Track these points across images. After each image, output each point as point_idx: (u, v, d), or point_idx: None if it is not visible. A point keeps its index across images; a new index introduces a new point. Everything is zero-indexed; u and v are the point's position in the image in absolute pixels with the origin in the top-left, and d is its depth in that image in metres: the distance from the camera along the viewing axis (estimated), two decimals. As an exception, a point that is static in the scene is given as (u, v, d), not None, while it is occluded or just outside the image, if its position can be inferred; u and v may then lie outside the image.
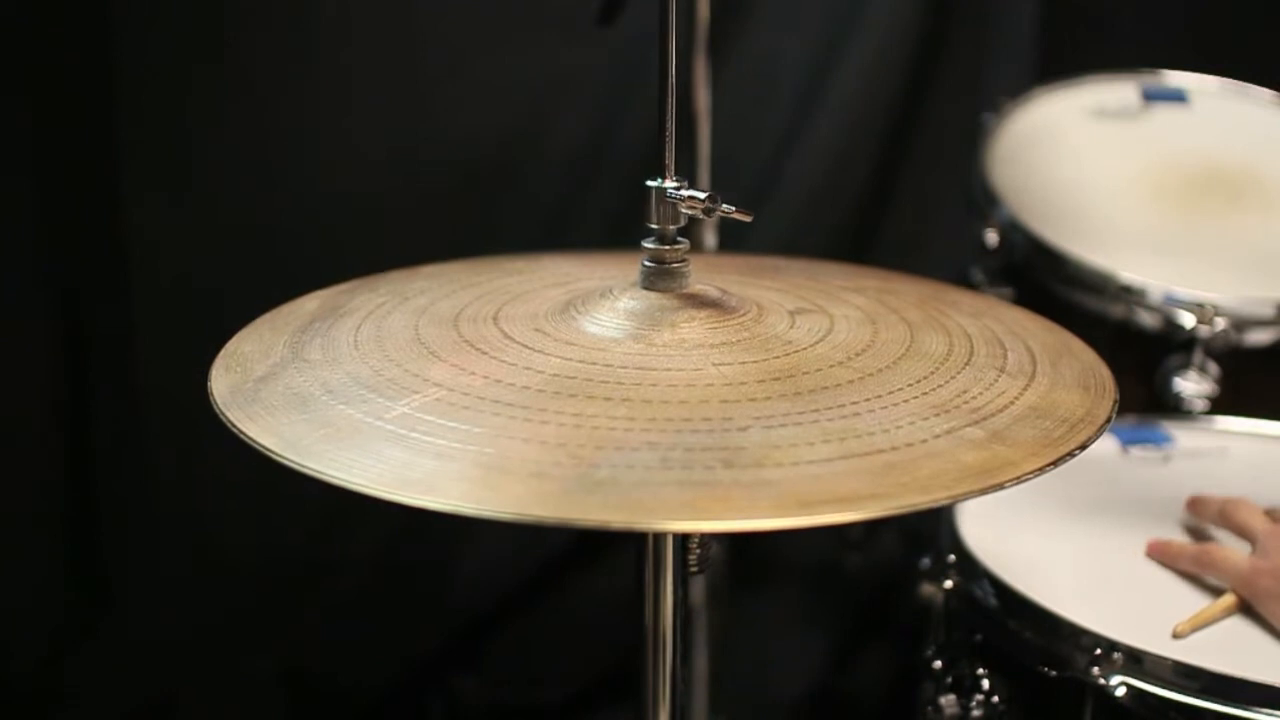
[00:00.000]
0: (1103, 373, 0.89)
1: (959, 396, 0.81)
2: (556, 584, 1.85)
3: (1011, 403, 0.81)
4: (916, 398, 0.80)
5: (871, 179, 2.00)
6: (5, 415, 1.48)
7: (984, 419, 0.78)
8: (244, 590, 1.67)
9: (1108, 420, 0.82)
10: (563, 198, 1.81)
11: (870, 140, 1.98)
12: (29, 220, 1.46)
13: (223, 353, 0.88)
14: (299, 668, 1.71)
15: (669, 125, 0.89)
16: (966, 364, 0.86)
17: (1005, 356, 0.88)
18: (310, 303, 0.98)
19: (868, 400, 0.79)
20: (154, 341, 1.54)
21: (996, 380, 0.84)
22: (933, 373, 0.84)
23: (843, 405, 0.78)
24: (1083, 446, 0.78)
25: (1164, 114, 1.71)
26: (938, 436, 0.76)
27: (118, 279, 1.52)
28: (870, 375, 0.83)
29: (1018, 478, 0.73)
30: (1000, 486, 0.72)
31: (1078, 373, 0.87)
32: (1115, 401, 0.84)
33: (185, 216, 1.55)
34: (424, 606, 1.80)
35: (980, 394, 0.82)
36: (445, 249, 1.14)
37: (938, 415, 0.78)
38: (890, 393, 0.80)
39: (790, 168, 1.93)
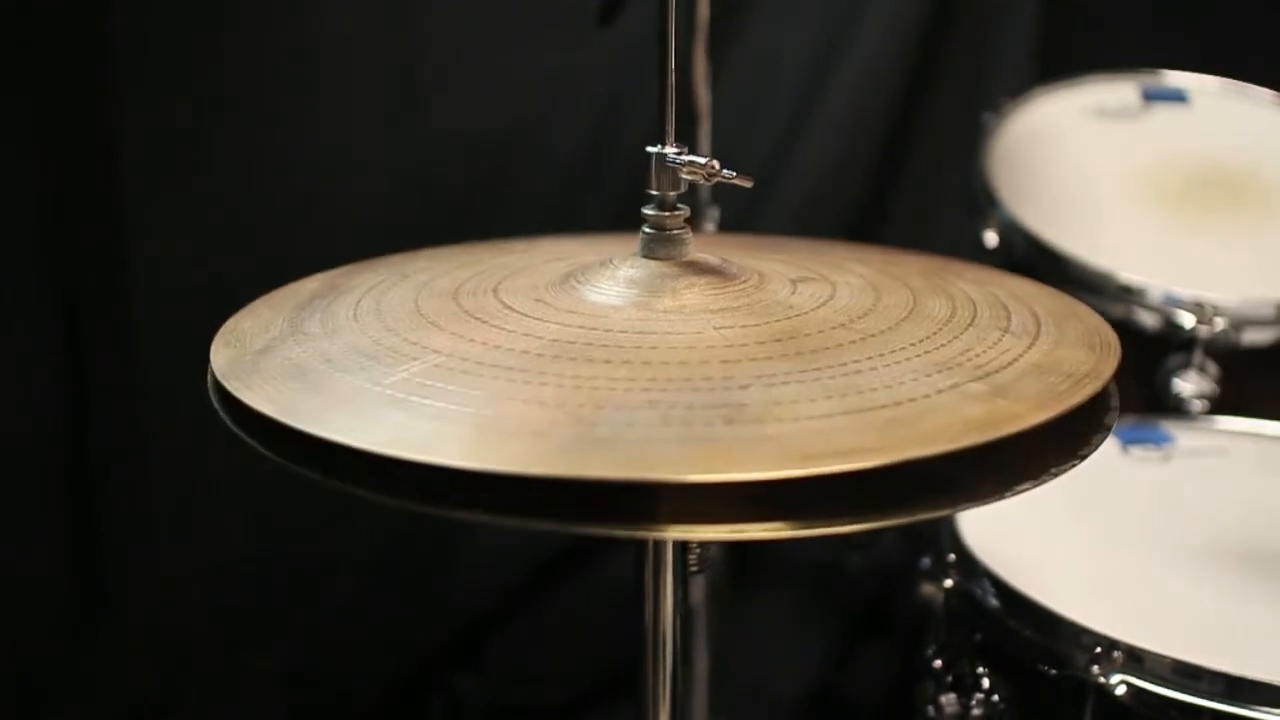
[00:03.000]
0: (1107, 334, 0.87)
1: (962, 354, 0.80)
2: (556, 584, 1.85)
3: (1015, 359, 0.80)
4: (919, 356, 0.79)
5: (871, 178, 2.00)
6: (4, 415, 1.48)
7: (987, 375, 0.77)
8: (244, 590, 1.67)
9: (1111, 382, 0.80)
10: (562, 198, 1.81)
11: (870, 140, 1.98)
12: (29, 220, 1.46)
13: (222, 330, 0.88)
14: (299, 668, 1.71)
15: (669, 92, 0.89)
16: (970, 325, 0.85)
17: (1009, 318, 0.87)
18: (310, 284, 0.98)
19: (869, 359, 0.78)
20: (154, 341, 1.54)
21: (1000, 339, 0.83)
22: (935, 333, 0.83)
23: (844, 364, 0.77)
24: (1083, 454, 0.78)
25: (1164, 114, 1.71)
26: (940, 392, 0.74)
27: (118, 279, 1.52)
28: (872, 336, 0.82)
29: (1020, 431, 0.71)
30: (1005, 481, 0.71)
31: (1082, 333, 0.86)
32: (1119, 359, 0.83)
33: (185, 216, 1.55)
34: (424, 606, 1.80)
35: (984, 352, 0.81)
36: (445, 248, 1.14)
37: (940, 372, 0.77)
38: (892, 351, 0.80)
39: (790, 168, 1.93)
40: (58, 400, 1.51)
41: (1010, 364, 0.79)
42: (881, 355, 0.79)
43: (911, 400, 0.73)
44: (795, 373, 0.76)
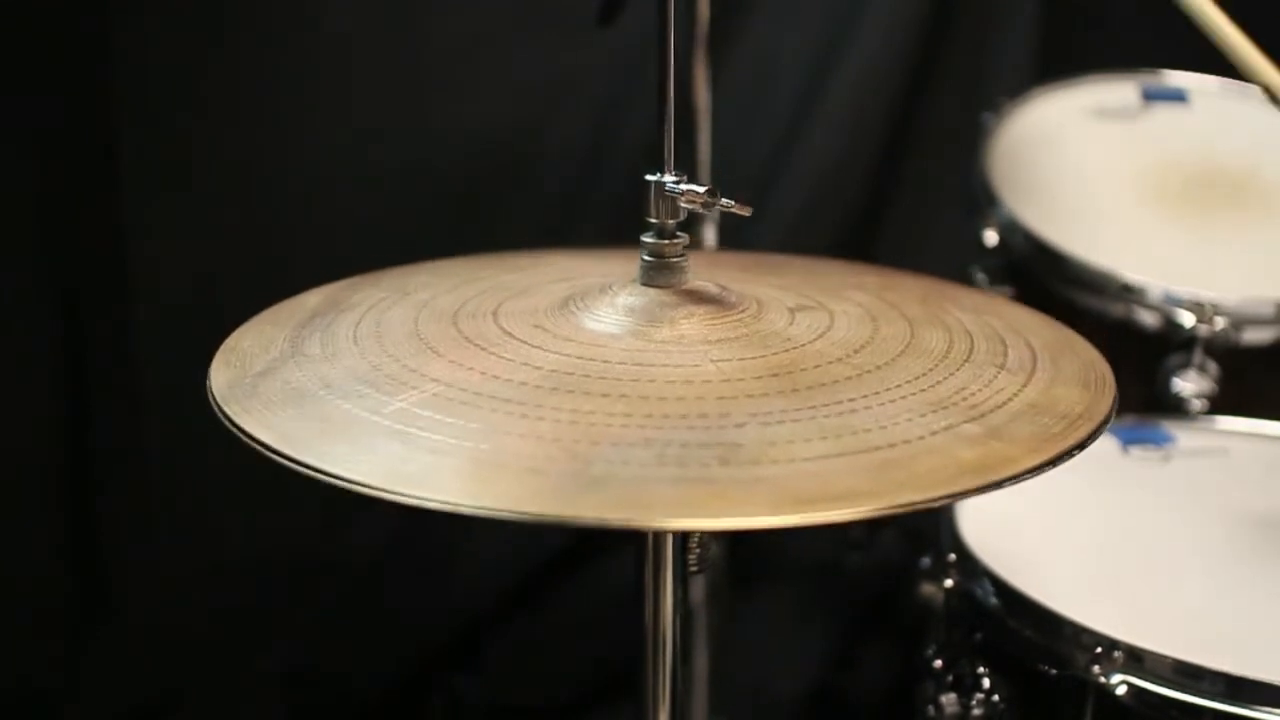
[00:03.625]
0: (1103, 369, 0.88)
1: (958, 393, 0.81)
2: (556, 584, 1.85)
3: (1010, 399, 0.81)
4: (914, 394, 0.80)
5: (871, 179, 2.00)
6: (4, 416, 1.48)
7: (981, 415, 0.78)
8: (244, 590, 1.67)
9: (1107, 417, 0.81)
10: (563, 198, 1.81)
11: (870, 140, 1.98)
12: (29, 220, 1.46)
13: (222, 348, 0.88)
14: (299, 668, 1.71)
15: (668, 119, 0.89)
16: (966, 360, 0.86)
17: (1005, 353, 0.88)
18: (311, 298, 0.98)
19: (865, 397, 0.79)
20: (154, 341, 1.54)
21: (996, 377, 0.84)
22: (932, 369, 0.84)
23: (840, 402, 0.78)
24: (1081, 446, 0.78)
25: (1164, 114, 1.71)
26: (935, 433, 0.75)
27: (118, 279, 1.52)
28: (869, 372, 0.82)
29: (1014, 475, 0.73)
30: (998, 485, 0.72)
31: (1078, 369, 0.87)
32: (1115, 398, 0.84)
33: (185, 216, 1.55)
34: (424, 606, 1.80)
35: (979, 390, 0.81)
36: (445, 250, 1.14)
37: (935, 412, 0.78)
38: (888, 389, 0.80)
39: (790, 168, 1.93)
40: (58, 400, 1.51)
41: (1005, 403, 0.80)
42: (878, 393, 0.80)
43: (906, 442, 0.74)
44: (791, 411, 0.76)
